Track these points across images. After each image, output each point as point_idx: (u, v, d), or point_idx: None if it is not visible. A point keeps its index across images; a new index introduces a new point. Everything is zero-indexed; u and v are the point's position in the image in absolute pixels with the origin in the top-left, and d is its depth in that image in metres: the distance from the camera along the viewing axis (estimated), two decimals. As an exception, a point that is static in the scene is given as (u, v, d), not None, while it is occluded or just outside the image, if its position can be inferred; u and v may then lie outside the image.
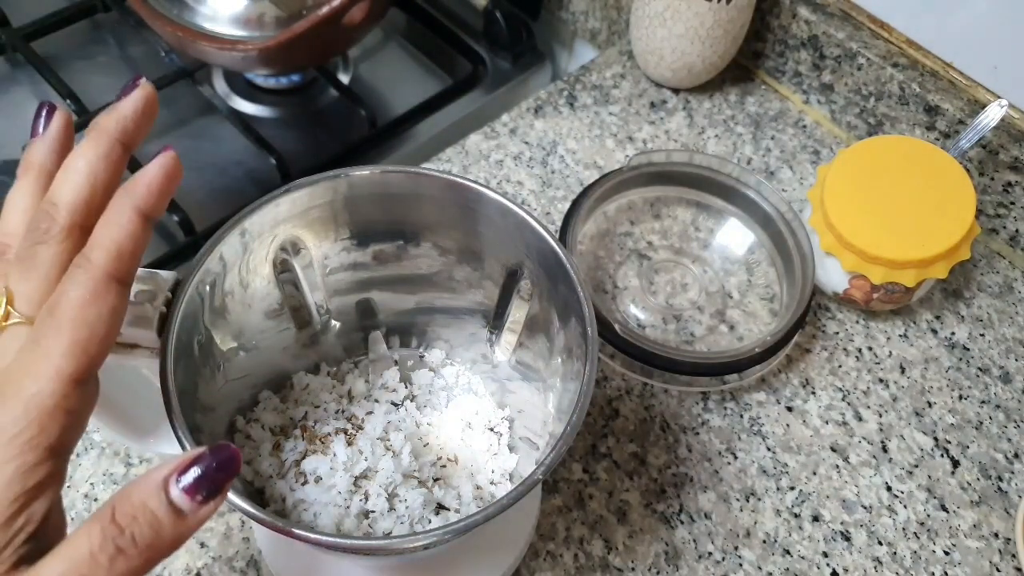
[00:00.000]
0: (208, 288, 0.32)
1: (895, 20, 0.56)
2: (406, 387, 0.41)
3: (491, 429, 0.40)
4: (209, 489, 0.21)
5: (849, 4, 0.57)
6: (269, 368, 0.39)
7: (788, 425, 0.47)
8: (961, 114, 0.52)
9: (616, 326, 0.45)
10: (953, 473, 0.45)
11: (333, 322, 0.40)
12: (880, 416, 0.47)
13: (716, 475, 0.44)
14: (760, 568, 0.42)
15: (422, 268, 0.39)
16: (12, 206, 0.26)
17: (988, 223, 0.55)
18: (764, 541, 0.42)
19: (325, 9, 0.53)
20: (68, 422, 0.22)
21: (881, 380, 0.49)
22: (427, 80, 0.70)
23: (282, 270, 0.37)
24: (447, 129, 0.64)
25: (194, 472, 0.21)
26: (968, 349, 0.50)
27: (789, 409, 0.47)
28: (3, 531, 0.21)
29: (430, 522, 0.35)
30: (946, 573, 0.42)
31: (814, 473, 0.45)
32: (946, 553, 0.43)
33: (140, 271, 0.30)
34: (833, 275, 0.49)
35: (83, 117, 0.58)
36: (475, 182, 0.34)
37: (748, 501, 0.44)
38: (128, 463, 0.43)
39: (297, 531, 0.26)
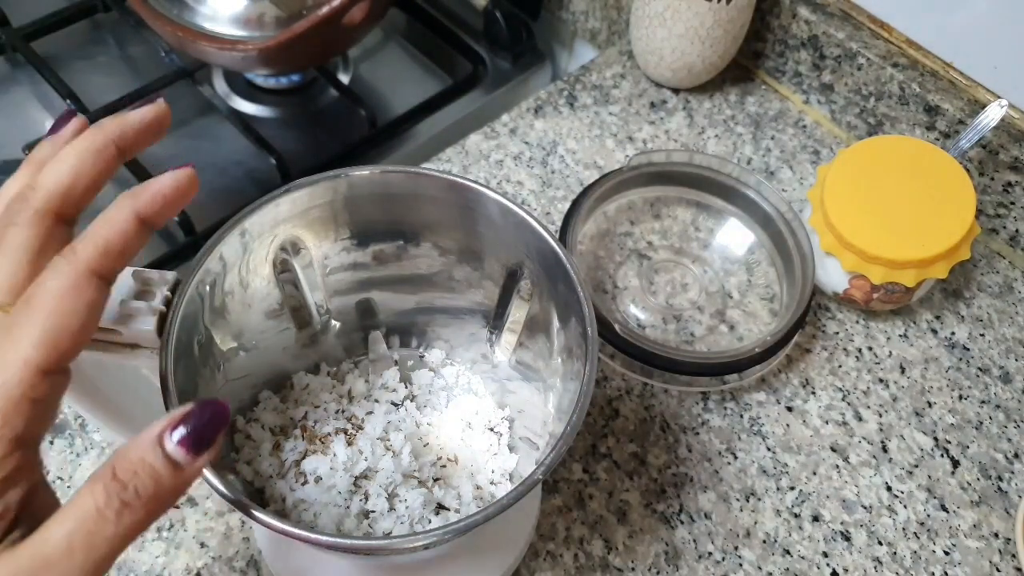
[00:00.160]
0: (208, 288, 0.32)
1: (895, 20, 0.56)
2: (406, 387, 0.41)
3: (491, 429, 0.40)
4: (201, 442, 0.22)
5: (849, 4, 0.57)
6: (269, 368, 0.39)
7: (788, 425, 0.47)
8: (961, 114, 0.52)
9: (616, 326, 0.45)
10: (953, 473, 0.45)
11: (333, 322, 0.40)
12: (880, 416, 0.47)
13: (716, 475, 0.44)
14: (760, 568, 0.42)
15: (422, 268, 0.39)
16: (2, 195, 0.26)
17: (988, 223, 0.55)
18: (764, 541, 0.42)
19: (325, 9, 0.53)
20: (34, 413, 0.22)
21: (881, 380, 0.49)
22: (427, 80, 0.70)
23: (282, 270, 0.37)
24: (447, 129, 0.64)
25: (185, 427, 0.22)
26: (968, 349, 0.50)
27: (789, 409, 0.47)
28: None
29: (430, 522, 0.35)
30: (946, 573, 0.42)
31: (814, 473, 0.45)
32: (946, 553, 0.43)
33: (140, 271, 0.30)
34: (833, 275, 0.49)
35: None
36: (475, 182, 0.34)
37: (748, 501, 0.44)
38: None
39: (297, 531, 0.26)
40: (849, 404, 0.48)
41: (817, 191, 0.49)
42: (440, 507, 0.36)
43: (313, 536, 0.27)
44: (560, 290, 0.33)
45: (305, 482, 0.36)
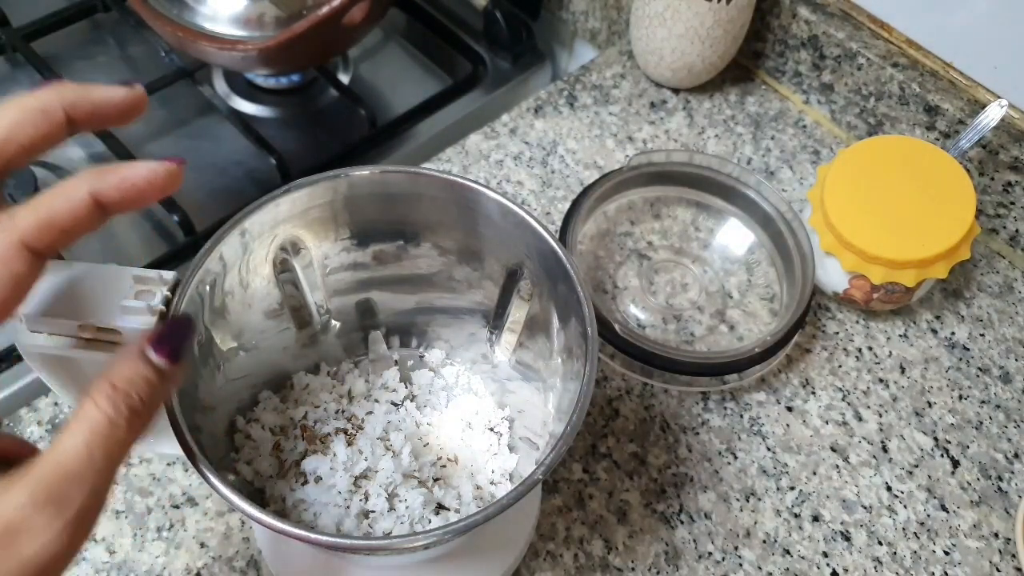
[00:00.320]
0: (208, 288, 0.32)
1: (895, 20, 0.56)
2: (406, 387, 0.41)
3: (491, 429, 0.40)
4: (177, 351, 0.24)
5: (849, 4, 0.57)
6: (269, 368, 0.39)
7: (788, 425, 0.47)
8: (961, 114, 0.52)
9: (616, 326, 0.45)
10: (953, 473, 0.45)
11: (333, 322, 0.40)
12: (880, 416, 0.47)
13: (716, 475, 0.44)
14: (760, 568, 0.42)
15: (422, 268, 0.39)
16: None
17: (988, 223, 0.55)
18: (764, 541, 0.42)
19: (325, 9, 0.53)
20: None
21: (881, 380, 0.49)
22: (427, 80, 0.70)
23: (282, 270, 0.37)
24: (447, 129, 0.64)
25: (162, 340, 0.24)
26: (968, 349, 0.50)
27: (789, 409, 0.47)
28: None
29: (430, 522, 0.35)
30: (946, 573, 0.42)
31: (814, 473, 0.45)
32: (946, 553, 0.43)
33: (140, 271, 0.30)
34: (833, 275, 0.49)
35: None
36: (475, 182, 0.34)
37: (748, 501, 0.44)
38: (128, 463, 0.43)
39: (297, 531, 0.26)
40: (849, 404, 0.48)
41: (817, 191, 0.49)
42: (440, 507, 0.36)
43: (313, 536, 0.27)
44: (560, 290, 0.33)
45: (305, 482, 0.36)
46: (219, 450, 0.35)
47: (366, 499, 0.35)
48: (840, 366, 0.49)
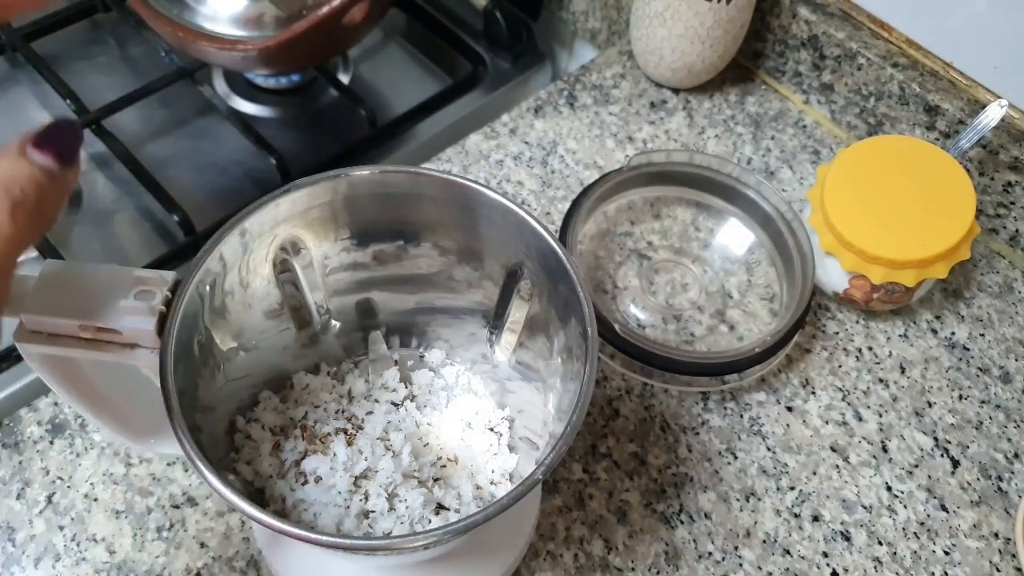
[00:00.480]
0: (208, 288, 0.32)
1: (895, 20, 0.56)
2: (406, 387, 0.41)
3: (491, 429, 0.40)
4: (61, 150, 0.23)
5: (849, 4, 0.57)
6: (269, 368, 0.39)
7: (788, 425, 0.47)
8: (961, 114, 0.52)
9: (616, 326, 0.45)
10: (953, 473, 0.45)
11: (333, 322, 0.40)
12: (880, 416, 0.47)
13: (716, 475, 0.44)
14: (760, 568, 0.42)
15: (422, 268, 0.39)
16: None
17: (988, 223, 0.55)
18: (764, 541, 0.42)
19: (325, 9, 0.53)
20: None
21: (881, 380, 0.49)
22: (427, 80, 0.70)
23: (282, 270, 0.37)
24: (447, 129, 0.64)
25: (41, 139, 0.23)
26: (968, 349, 0.50)
27: (789, 409, 0.47)
28: None
29: (430, 522, 0.35)
30: (946, 573, 0.42)
31: (814, 473, 0.45)
32: (946, 553, 0.43)
33: (140, 271, 0.30)
34: (833, 275, 0.49)
35: (83, 117, 0.58)
36: (475, 182, 0.34)
37: (748, 501, 0.44)
38: (128, 463, 0.43)
39: (297, 531, 0.26)
40: (849, 404, 0.48)
41: (817, 191, 0.49)
42: (440, 507, 0.36)
43: (313, 536, 0.27)
44: (560, 290, 0.33)
45: (305, 482, 0.36)
46: (219, 450, 0.35)
47: (366, 499, 0.35)
48: (840, 366, 0.49)
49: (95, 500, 0.42)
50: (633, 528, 0.42)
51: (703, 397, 0.47)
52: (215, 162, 0.62)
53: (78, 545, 0.41)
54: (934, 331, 0.51)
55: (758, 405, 0.47)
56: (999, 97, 0.51)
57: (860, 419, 0.47)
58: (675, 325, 0.50)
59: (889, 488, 0.45)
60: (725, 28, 0.56)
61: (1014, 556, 0.43)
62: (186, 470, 0.43)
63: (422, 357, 0.42)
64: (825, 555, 0.42)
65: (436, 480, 0.37)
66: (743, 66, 0.63)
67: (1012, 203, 0.53)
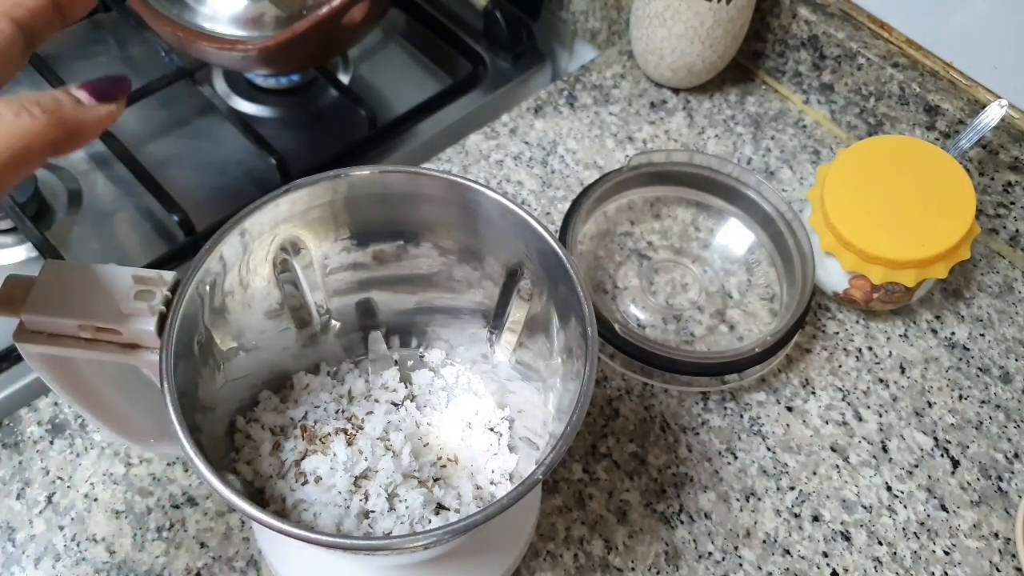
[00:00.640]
0: (208, 288, 0.32)
1: (895, 20, 0.56)
2: (406, 387, 0.41)
3: (491, 429, 0.40)
4: (102, 92, 0.24)
5: (849, 4, 0.57)
6: (269, 368, 0.39)
7: (788, 425, 0.47)
8: (961, 114, 0.52)
9: (616, 326, 0.45)
10: (953, 473, 0.45)
11: (333, 322, 0.40)
12: (880, 416, 0.47)
13: (716, 475, 0.44)
14: (760, 568, 0.42)
15: (422, 268, 0.39)
16: None
17: (988, 223, 0.55)
18: (764, 541, 0.42)
19: (325, 9, 0.53)
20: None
21: (881, 380, 0.49)
22: (427, 80, 0.70)
23: (282, 270, 0.37)
24: (447, 129, 0.64)
25: (89, 83, 0.24)
26: (968, 349, 0.50)
27: (789, 409, 0.47)
28: None
29: (430, 522, 0.35)
30: (946, 573, 0.42)
31: (814, 473, 0.45)
32: (946, 553, 0.43)
33: (140, 271, 0.30)
34: (833, 275, 0.49)
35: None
36: (475, 182, 0.34)
37: (748, 501, 0.44)
38: (128, 463, 0.43)
39: (297, 531, 0.26)
40: (849, 404, 0.48)
41: (817, 191, 0.49)
42: (440, 507, 0.36)
43: (313, 536, 0.27)
44: (560, 290, 0.33)
45: (305, 482, 0.36)
46: (219, 450, 0.35)
47: (366, 499, 0.35)
48: (840, 366, 0.49)
49: (95, 500, 0.42)
50: (633, 528, 0.42)
51: (703, 397, 0.47)
52: (215, 162, 0.62)
53: (78, 545, 0.41)
54: (934, 331, 0.51)
55: (758, 405, 0.47)
56: (999, 97, 0.51)
57: (860, 419, 0.47)
58: (675, 325, 0.50)
59: (889, 488, 0.45)
60: (725, 28, 0.56)
61: (1014, 556, 0.43)
62: (186, 470, 0.43)
63: (422, 357, 0.42)
64: (825, 555, 0.42)
65: (436, 480, 0.37)
66: (743, 66, 0.63)
67: (1012, 203, 0.53)
